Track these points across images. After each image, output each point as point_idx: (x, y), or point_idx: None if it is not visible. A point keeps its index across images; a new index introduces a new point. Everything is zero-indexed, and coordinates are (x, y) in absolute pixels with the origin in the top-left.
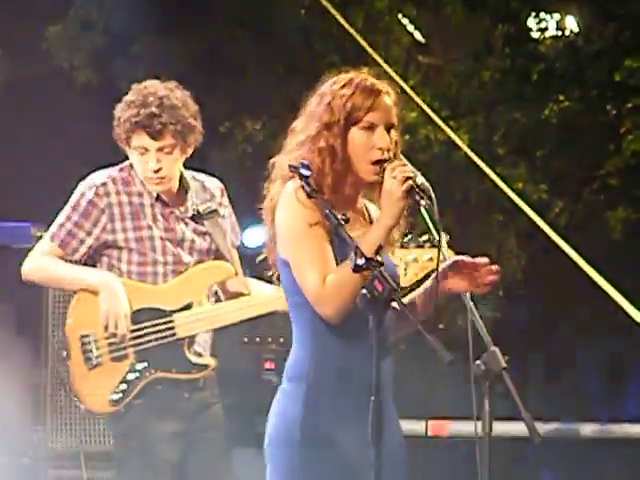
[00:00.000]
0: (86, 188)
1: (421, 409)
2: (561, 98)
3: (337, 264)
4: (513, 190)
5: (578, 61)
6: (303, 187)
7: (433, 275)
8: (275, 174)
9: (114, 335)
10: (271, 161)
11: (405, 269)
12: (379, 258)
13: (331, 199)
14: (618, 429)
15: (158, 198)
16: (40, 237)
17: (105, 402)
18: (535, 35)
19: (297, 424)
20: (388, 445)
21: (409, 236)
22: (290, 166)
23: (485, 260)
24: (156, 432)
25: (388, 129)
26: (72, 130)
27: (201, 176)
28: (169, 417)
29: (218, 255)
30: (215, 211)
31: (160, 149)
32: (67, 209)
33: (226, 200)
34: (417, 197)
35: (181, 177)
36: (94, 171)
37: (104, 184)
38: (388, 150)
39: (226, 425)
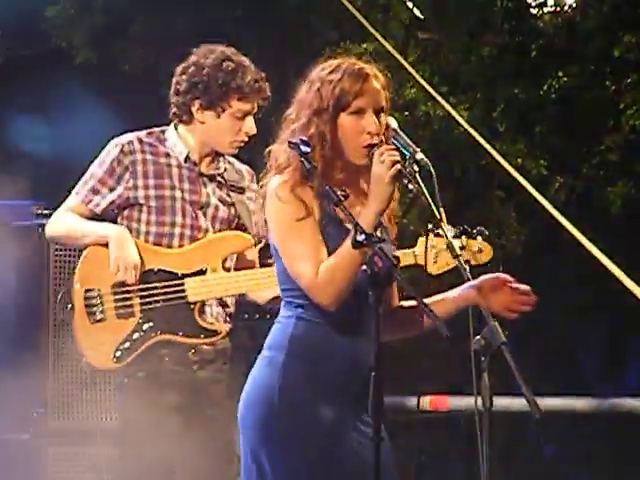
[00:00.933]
0: (112, 146)
1: (421, 384)
2: (560, 74)
3: (329, 254)
4: (513, 166)
5: (577, 37)
6: (302, 163)
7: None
8: (270, 163)
9: (122, 286)
10: (267, 150)
11: (436, 256)
12: (379, 234)
13: (319, 188)
14: (617, 403)
15: (187, 159)
16: (40, 214)
17: (107, 358)
18: (534, 11)
19: (275, 390)
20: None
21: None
22: (290, 142)
23: (527, 287)
24: (158, 404)
25: (377, 112)
26: (72, 110)
27: (233, 159)
28: (174, 389)
29: (239, 227)
30: (242, 189)
31: (254, 113)
32: (93, 166)
33: (255, 186)
34: (405, 181)
35: None
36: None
37: (130, 142)
38: (377, 134)
39: (229, 402)
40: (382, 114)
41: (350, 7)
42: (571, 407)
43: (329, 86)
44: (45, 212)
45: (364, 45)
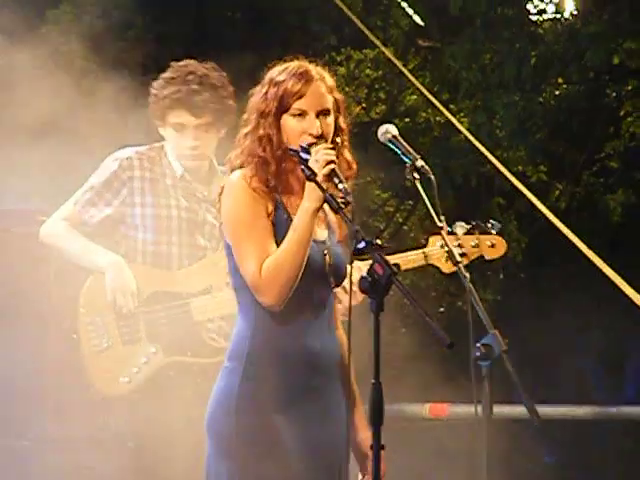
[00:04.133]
0: (111, 160)
1: (421, 392)
2: (560, 81)
3: None
4: (512, 173)
5: (577, 44)
6: (303, 170)
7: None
8: (227, 167)
9: (122, 313)
10: (228, 156)
11: (447, 255)
12: (379, 241)
13: (276, 186)
14: (616, 411)
15: (182, 178)
16: (43, 221)
17: (116, 385)
18: (534, 18)
19: (234, 400)
20: (332, 428)
21: (455, 223)
22: (290, 149)
23: None
24: (164, 416)
25: (320, 114)
26: (71, 114)
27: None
28: (179, 401)
29: None
30: None
31: (198, 126)
32: (92, 178)
33: None
34: (336, 180)
35: (210, 161)
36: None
37: (129, 158)
38: (320, 136)
39: None
40: (328, 116)
41: (349, 13)
42: (571, 415)
43: (274, 88)
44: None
45: (365, 51)
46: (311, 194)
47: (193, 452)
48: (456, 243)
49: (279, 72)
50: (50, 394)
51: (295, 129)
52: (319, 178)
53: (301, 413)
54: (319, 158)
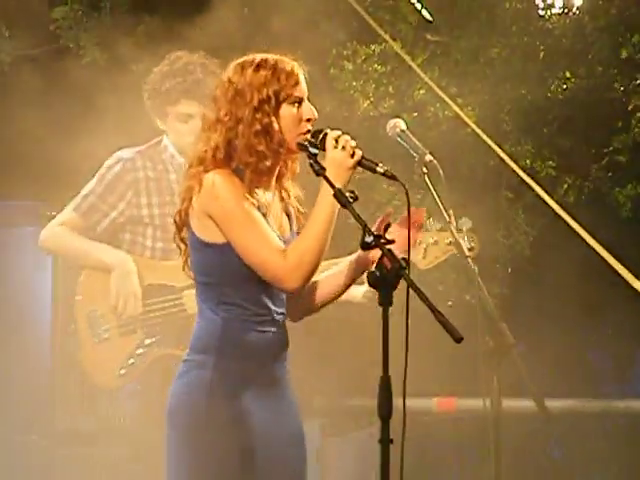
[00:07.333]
0: (113, 162)
1: (429, 386)
2: (568, 75)
3: None
4: (521, 167)
5: (584, 38)
6: (312, 165)
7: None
8: (193, 164)
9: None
10: (194, 153)
11: (425, 251)
12: (388, 236)
13: (263, 181)
14: (624, 405)
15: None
16: (50, 216)
17: (113, 377)
18: (542, 12)
19: (206, 388)
20: (293, 417)
21: (430, 219)
22: (299, 144)
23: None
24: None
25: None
26: (79, 110)
27: None
28: None
29: None
30: None
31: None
32: (93, 182)
33: None
34: (372, 165)
35: None
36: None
37: (132, 159)
38: (315, 120)
39: None
40: None
41: (358, 8)
42: (580, 408)
43: (265, 79)
44: (53, 214)
45: (372, 46)
46: (336, 181)
47: None
48: (432, 240)
49: (256, 65)
50: (56, 388)
51: (296, 117)
52: (349, 165)
53: (269, 402)
54: (345, 145)
